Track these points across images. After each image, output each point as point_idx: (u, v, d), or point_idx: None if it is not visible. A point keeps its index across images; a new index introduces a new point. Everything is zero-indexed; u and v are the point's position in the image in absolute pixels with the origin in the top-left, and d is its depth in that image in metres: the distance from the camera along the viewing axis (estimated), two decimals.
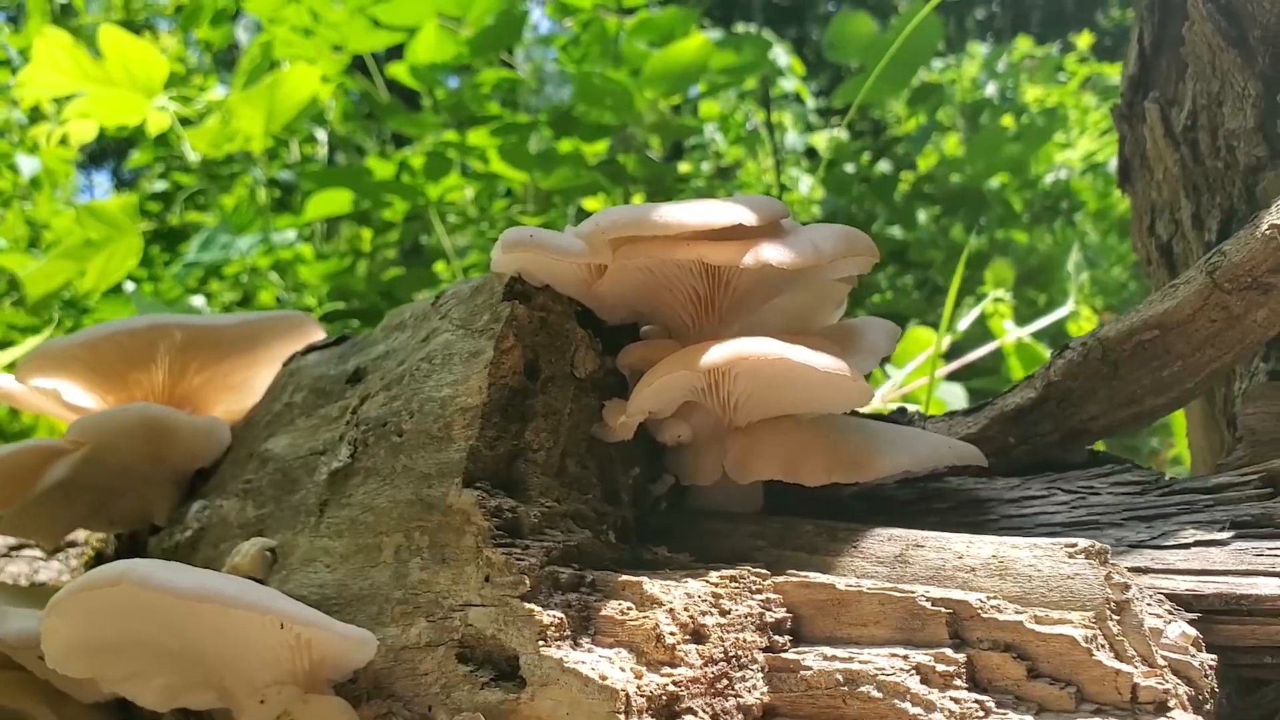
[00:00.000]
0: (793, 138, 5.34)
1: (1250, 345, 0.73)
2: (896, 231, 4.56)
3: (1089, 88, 5.56)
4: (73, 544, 1.27)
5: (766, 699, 0.60)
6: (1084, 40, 6.15)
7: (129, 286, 3.54)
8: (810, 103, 5.47)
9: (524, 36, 3.89)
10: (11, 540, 1.18)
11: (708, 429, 0.75)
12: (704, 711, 0.59)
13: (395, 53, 3.64)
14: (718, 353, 0.66)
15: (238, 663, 0.69)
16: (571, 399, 0.73)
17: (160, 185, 3.94)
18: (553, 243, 0.69)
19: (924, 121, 4.30)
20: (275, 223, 3.57)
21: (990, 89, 4.75)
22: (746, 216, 0.68)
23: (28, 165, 3.84)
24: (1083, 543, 0.60)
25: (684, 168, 4.30)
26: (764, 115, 5.02)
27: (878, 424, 0.80)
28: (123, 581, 0.64)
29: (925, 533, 0.66)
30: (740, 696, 0.60)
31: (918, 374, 2.08)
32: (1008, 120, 4.47)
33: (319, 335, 1.02)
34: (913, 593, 0.60)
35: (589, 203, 3.74)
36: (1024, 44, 5.86)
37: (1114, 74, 5.70)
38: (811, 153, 7.08)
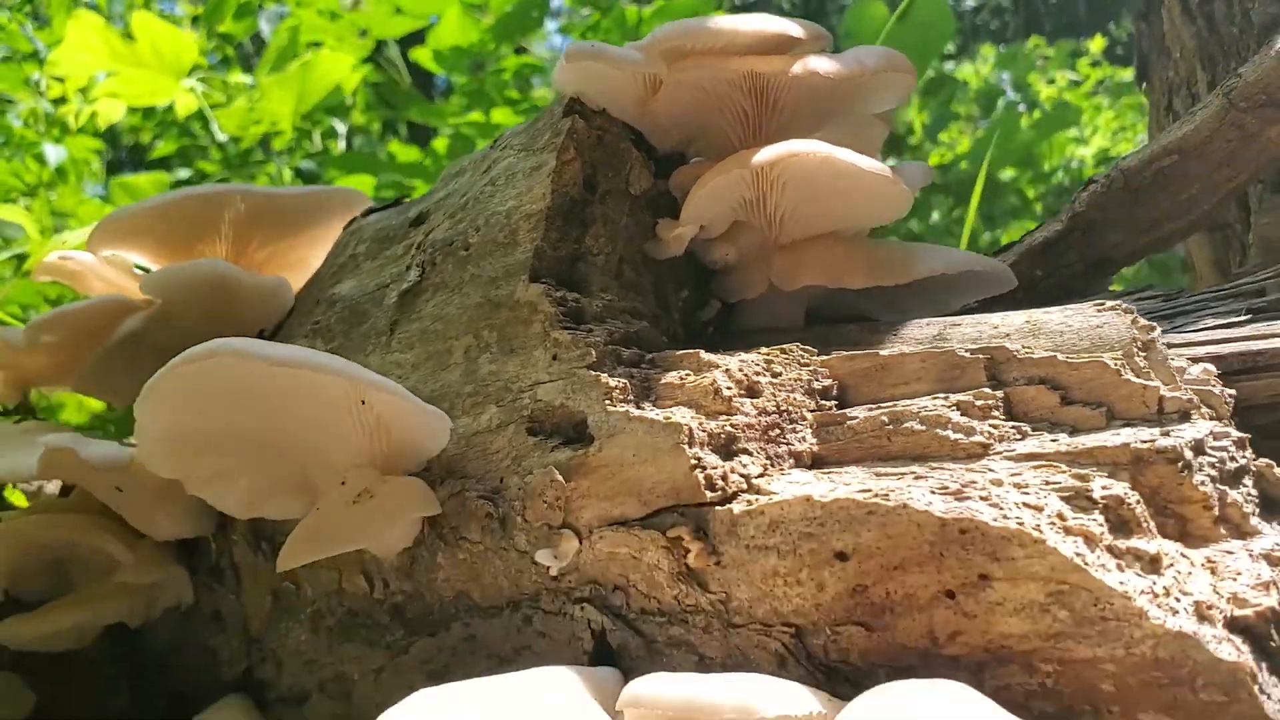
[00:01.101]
0: None
1: (1265, 163, 0.78)
2: (913, 225, 4.62)
3: (1102, 90, 5.62)
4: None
5: (816, 449, 0.65)
6: (1096, 44, 6.22)
7: None
8: None
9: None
10: None
11: (754, 249, 0.80)
12: (759, 453, 0.64)
13: (409, 40, 3.72)
14: (769, 151, 0.71)
15: (320, 448, 0.74)
16: (627, 212, 0.79)
17: (184, 173, 4.01)
18: (613, 53, 0.74)
19: (936, 112, 4.36)
20: None
21: (1003, 80, 4.81)
22: (795, 29, 0.73)
23: (54, 154, 3.91)
24: (1110, 301, 0.65)
25: None
26: None
27: (911, 242, 0.86)
28: (218, 354, 0.69)
29: (961, 316, 0.71)
30: (791, 444, 0.65)
31: None
32: (1024, 119, 4.54)
33: (368, 204, 1.08)
34: (951, 347, 0.65)
35: None
36: (1036, 43, 5.91)
37: (1126, 75, 5.77)
38: None
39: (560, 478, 0.66)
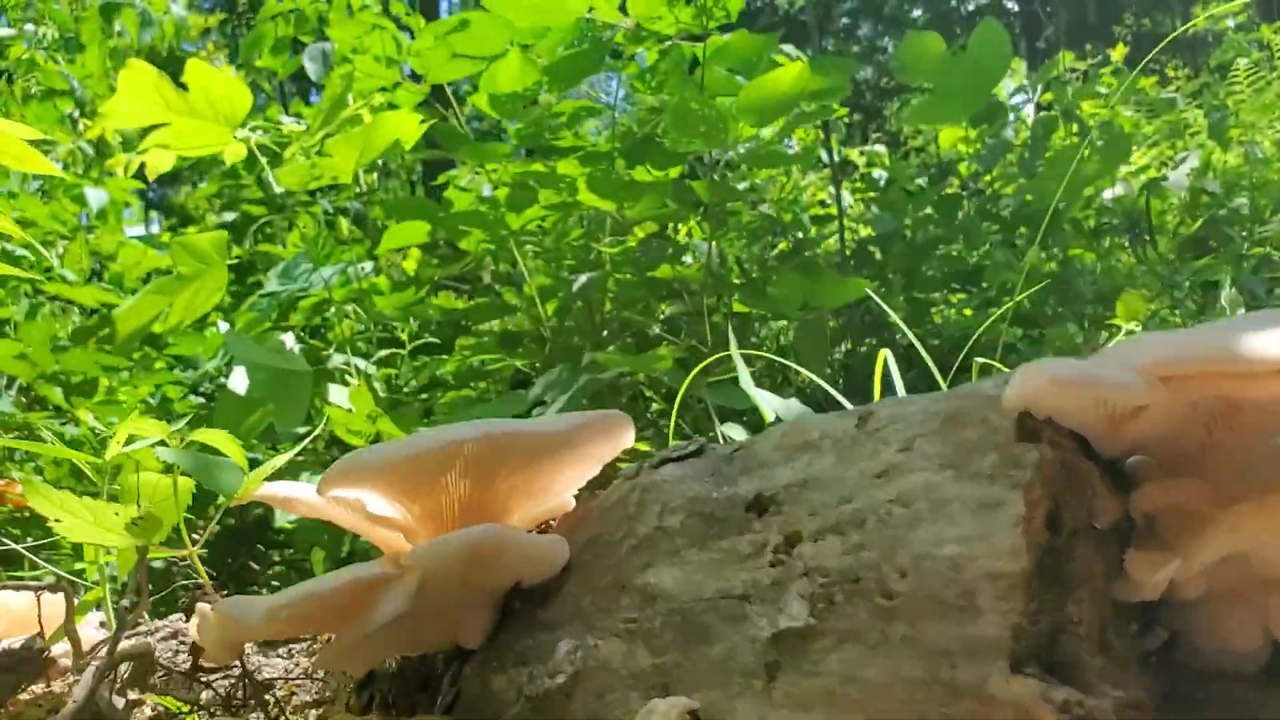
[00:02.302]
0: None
1: None
2: (952, 251, 4.45)
3: (1133, 102, 5.45)
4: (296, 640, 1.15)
5: None
6: (1118, 53, 6.07)
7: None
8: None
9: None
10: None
11: (1232, 580, 0.63)
12: None
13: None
14: None
15: None
16: (1095, 551, 0.61)
17: (229, 216, 3.80)
18: (1109, 380, 0.56)
19: (990, 140, 4.19)
20: (351, 253, 3.45)
21: (1028, 100, 4.64)
22: None
23: (95, 197, 3.70)
24: None
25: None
26: (816, 136, 4.91)
27: None
28: None
29: None
30: None
31: None
32: (1062, 136, 4.36)
33: (632, 435, 0.90)
34: None
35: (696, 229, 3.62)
36: (1066, 59, 5.75)
37: (1146, 84, 5.60)
38: (845, 166, 6.96)
39: None
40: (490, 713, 0.81)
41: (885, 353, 1.82)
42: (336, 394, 3.09)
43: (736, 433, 2.70)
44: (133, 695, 0.88)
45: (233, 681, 0.91)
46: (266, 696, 0.99)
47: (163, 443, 0.89)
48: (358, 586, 0.80)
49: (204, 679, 0.91)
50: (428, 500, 0.88)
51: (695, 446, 0.80)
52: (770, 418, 2.65)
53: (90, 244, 3.92)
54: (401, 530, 0.89)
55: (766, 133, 3.38)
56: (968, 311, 4.37)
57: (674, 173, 3.43)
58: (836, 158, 4.87)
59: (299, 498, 0.89)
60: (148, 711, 0.88)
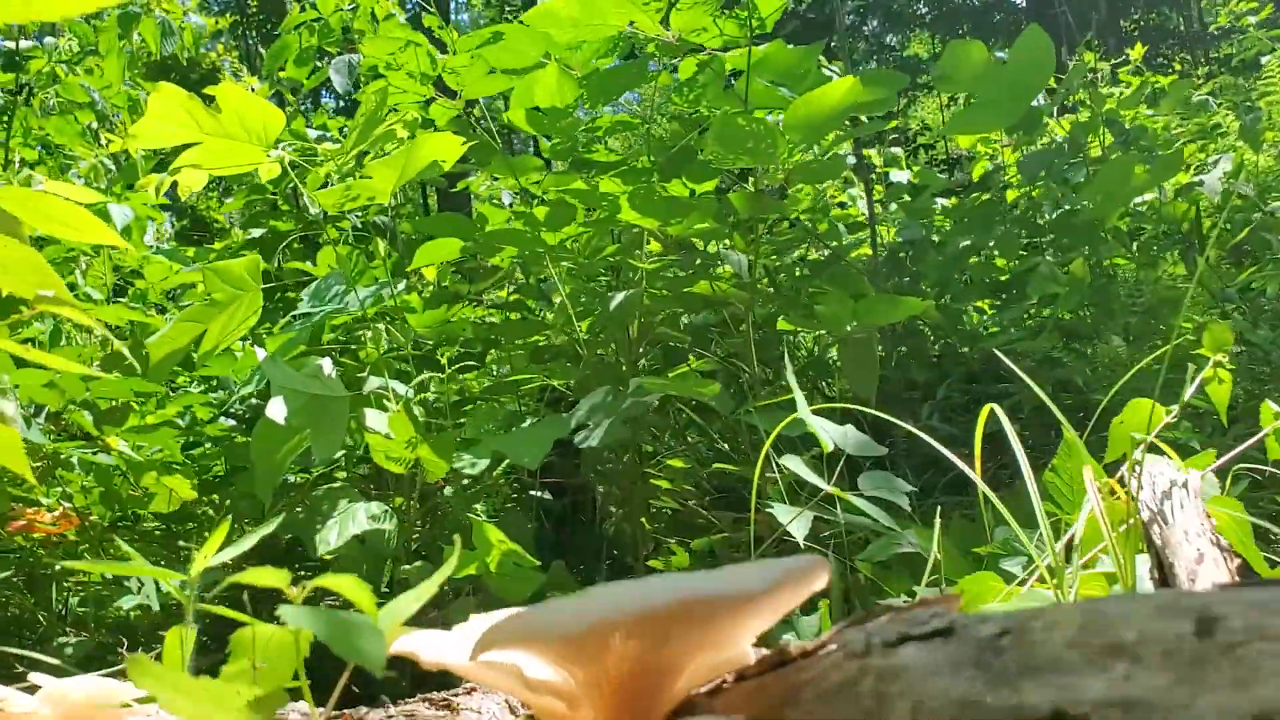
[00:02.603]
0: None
1: None
2: (984, 259, 4.31)
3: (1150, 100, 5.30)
4: None
5: None
6: (1136, 52, 5.91)
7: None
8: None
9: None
10: None
11: None
12: None
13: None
14: None
15: None
16: None
17: (256, 232, 3.65)
18: None
19: (1029, 149, 4.05)
20: (382, 270, 3.30)
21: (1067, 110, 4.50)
22: None
23: (120, 215, 3.55)
24: None
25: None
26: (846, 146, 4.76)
27: None
28: None
29: None
30: None
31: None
32: (1096, 141, 4.22)
33: (826, 580, 0.76)
34: None
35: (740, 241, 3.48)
36: (1088, 58, 5.59)
37: (1164, 81, 5.45)
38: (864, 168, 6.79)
39: None
40: None
41: (992, 407, 1.68)
42: (374, 419, 2.96)
43: (796, 465, 2.57)
44: None
45: None
46: None
47: (280, 595, 0.75)
48: None
49: None
50: (593, 665, 0.74)
51: (943, 623, 0.65)
52: (829, 448, 2.51)
53: (114, 259, 3.77)
54: (562, 698, 0.75)
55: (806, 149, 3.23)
56: (993, 328, 4.24)
57: (710, 185, 3.29)
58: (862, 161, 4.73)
59: (445, 661, 0.75)
60: None
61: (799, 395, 2.64)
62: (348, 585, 0.76)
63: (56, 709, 1.30)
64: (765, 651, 0.82)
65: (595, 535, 3.74)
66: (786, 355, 2.89)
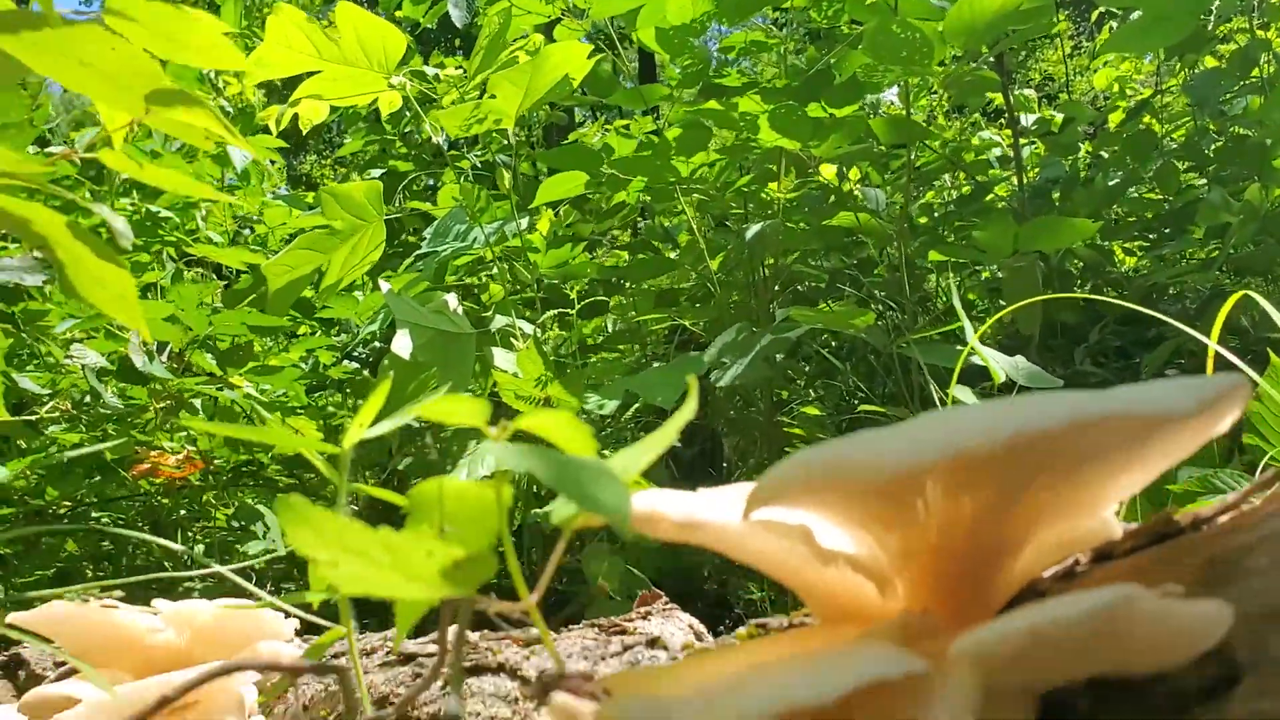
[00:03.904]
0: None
1: None
2: (1140, 194, 3.97)
3: None
4: None
5: None
6: None
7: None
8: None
9: None
10: None
11: None
12: None
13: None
14: None
15: None
16: None
17: (375, 173, 3.50)
18: None
19: (1193, 73, 3.68)
20: (505, 208, 3.12)
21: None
22: None
23: (239, 157, 3.43)
24: None
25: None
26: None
27: None
28: None
29: None
30: None
31: None
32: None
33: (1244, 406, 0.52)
34: None
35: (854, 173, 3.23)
36: None
37: None
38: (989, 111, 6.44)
39: None
40: None
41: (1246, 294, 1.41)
42: (501, 358, 2.78)
43: (967, 397, 2.31)
44: None
45: None
46: None
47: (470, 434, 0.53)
48: (870, 689, 0.44)
49: None
50: (911, 528, 0.52)
51: None
52: (1000, 378, 2.25)
53: (233, 207, 3.67)
54: (870, 575, 0.53)
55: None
56: (1143, 263, 3.89)
57: (851, 109, 3.03)
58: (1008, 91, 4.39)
59: (701, 520, 0.53)
60: None
61: (966, 322, 2.37)
62: (561, 425, 0.55)
63: (182, 632, 1.14)
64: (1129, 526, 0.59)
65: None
66: (950, 283, 2.62)
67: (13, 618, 0.90)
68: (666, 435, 0.60)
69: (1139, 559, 0.54)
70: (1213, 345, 1.33)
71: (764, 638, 0.66)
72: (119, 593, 0.97)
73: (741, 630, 0.80)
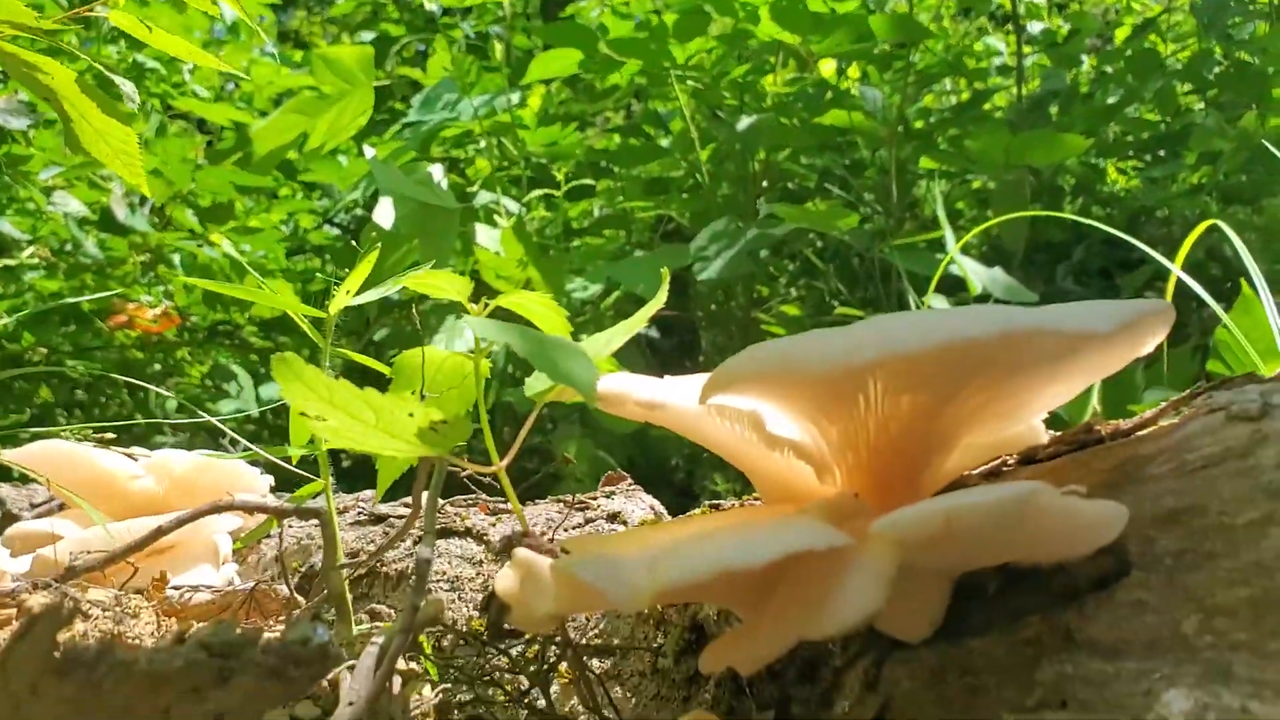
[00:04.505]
0: None
1: None
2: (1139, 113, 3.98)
3: None
4: None
5: None
6: None
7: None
8: None
9: None
10: None
11: None
12: None
13: None
14: None
15: None
16: None
17: (367, 35, 3.46)
18: None
19: None
20: (496, 82, 3.10)
21: None
22: None
23: (228, 11, 3.37)
24: None
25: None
26: None
27: None
28: None
29: None
30: None
31: None
32: None
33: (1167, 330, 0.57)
34: None
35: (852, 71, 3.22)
36: None
37: None
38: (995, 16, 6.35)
39: None
40: None
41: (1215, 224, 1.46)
42: (484, 235, 2.80)
43: (941, 305, 2.37)
44: (410, 667, 0.60)
45: (551, 651, 0.63)
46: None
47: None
48: (798, 559, 0.51)
49: (503, 646, 0.63)
50: (851, 421, 0.57)
51: None
52: (977, 289, 2.30)
53: (220, 61, 3.61)
54: (811, 461, 0.58)
55: None
56: (1133, 183, 3.92)
57: (851, 6, 3.01)
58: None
59: (662, 401, 0.58)
60: (429, 694, 0.60)
61: (948, 231, 2.42)
62: (539, 305, 0.60)
63: (161, 480, 1.19)
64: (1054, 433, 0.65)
65: None
66: (935, 191, 2.65)
67: (2, 454, 0.95)
68: (637, 321, 0.65)
69: (1060, 463, 0.60)
70: (1176, 271, 1.38)
71: (714, 514, 0.72)
72: (110, 435, 1.02)
73: (696, 510, 0.86)
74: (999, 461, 0.62)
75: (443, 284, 0.56)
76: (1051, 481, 0.57)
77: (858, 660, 0.60)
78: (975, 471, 0.63)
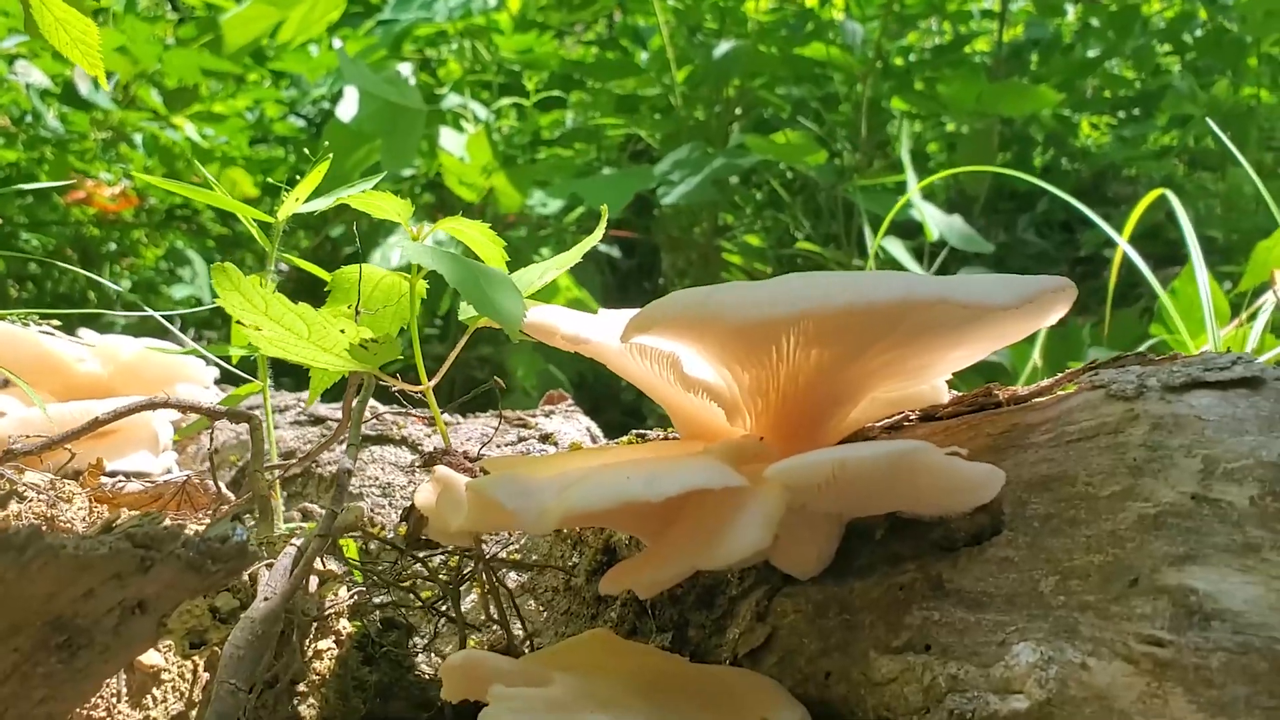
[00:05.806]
0: None
1: None
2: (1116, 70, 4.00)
3: None
4: None
5: None
6: None
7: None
8: None
9: None
10: None
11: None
12: None
13: None
14: None
15: None
16: None
17: None
18: None
19: None
20: None
21: None
22: None
23: None
24: None
25: None
26: None
27: None
28: None
29: None
30: None
31: None
32: None
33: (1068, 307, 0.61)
34: None
35: None
36: None
37: None
38: None
39: None
40: (851, 696, 0.56)
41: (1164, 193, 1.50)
42: (450, 139, 2.79)
43: (897, 249, 2.40)
44: (326, 568, 0.63)
45: (464, 564, 0.66)
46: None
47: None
48: (697, 495, 0.54)
49: (421, 555, 0.66)
50: (762, 370, 0.61)
51: (1246, 371, 0.51)
52: (933, 235, 2.33)
53: None
54: (722, 403, 0.62)
55: None
56: (1104, 139, 3.95)
57: None
58: None
59: (586, 337, 0.61)
60: (344, 595, 0.63)
61: (911, 175, 2.44)
62: (477, 232, 0.62)
63: (106, 365, 1.21)
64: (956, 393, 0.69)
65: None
66: (904, 133, 2.67)
67: None
68: (572, 256, 0.67)
69: (957, 423, 0.64)
70: (1122, 244, 1.42)
71: (634, 445, 0.76)
72: (56, 321, 1.04)
73: (624, 438, 0.90)
74: (901, 416, 0.66)
75: (383, 205, 0.59)
76: (945, 440, 0.62)
77: (751, 592, 0.65)
78: (878, 424, 0.66)
